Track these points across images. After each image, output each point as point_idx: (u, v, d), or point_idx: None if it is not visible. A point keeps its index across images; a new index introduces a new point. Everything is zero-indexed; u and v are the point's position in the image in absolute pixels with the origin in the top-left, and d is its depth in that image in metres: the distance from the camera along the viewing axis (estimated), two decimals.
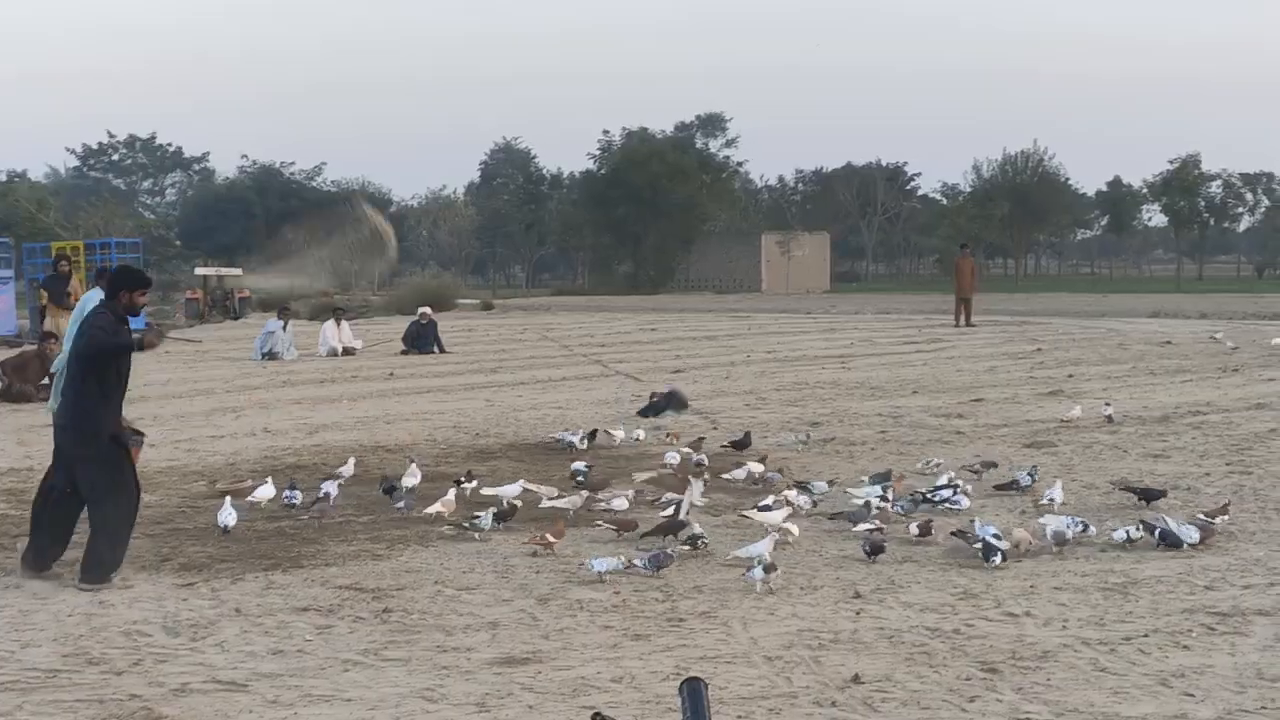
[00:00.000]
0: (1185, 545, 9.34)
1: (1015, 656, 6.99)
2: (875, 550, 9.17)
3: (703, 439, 14.47)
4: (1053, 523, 9.60)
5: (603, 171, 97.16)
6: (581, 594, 8.41)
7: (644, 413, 16.05)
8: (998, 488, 11.77)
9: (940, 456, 13.26)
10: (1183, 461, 13.53)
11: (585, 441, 14.46)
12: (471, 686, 6.63)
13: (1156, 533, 9.47)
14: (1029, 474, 11.90)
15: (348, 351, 29.20)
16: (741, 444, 13.85)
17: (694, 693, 3.81)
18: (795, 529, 9.85)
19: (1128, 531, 9.53)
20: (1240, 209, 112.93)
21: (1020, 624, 7.68)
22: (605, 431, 15.07)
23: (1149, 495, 11.04)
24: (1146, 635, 7.38)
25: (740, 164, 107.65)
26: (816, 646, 7.23)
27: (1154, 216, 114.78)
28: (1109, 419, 16.25)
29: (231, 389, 21.83)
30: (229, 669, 7.01)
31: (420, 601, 8.33)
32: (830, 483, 11.82)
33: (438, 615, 8.01)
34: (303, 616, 8.02)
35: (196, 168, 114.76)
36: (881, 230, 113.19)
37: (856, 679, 6.60)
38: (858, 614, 7.91)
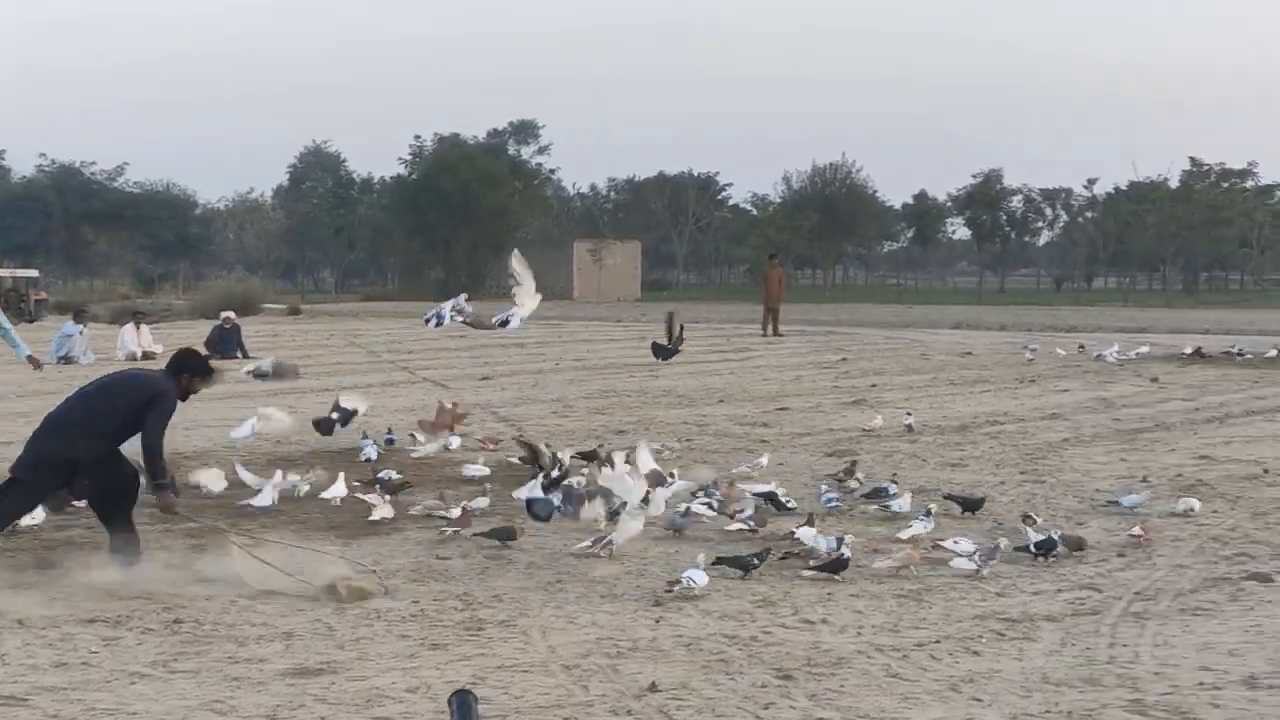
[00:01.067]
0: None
1: (810, 663, 7.04)
2: (745, 568, 9.03)
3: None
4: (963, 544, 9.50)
5: (414, 177, 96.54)
6: (379, 603, 8.29)
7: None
8: (866, 497, 11.80)
9: (765, 457, 13.40)
10: (979, 470, 13.82)
11: (377, 452, 14.24)
12: (263, 698, 6.48)
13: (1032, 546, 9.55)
14: (892, 483, 12.00)
15: (148, 356, 28.51)
16: (589, 455, 13.48)
17: (463, 704, 3.77)
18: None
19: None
20: (1040, 223, 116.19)
21: (816, 631, 7.74)
22: (411, 435, 14.99)
23: (970, 505, 11.25)
24: (938, 641, 7.49)
25: (553, 171, 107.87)
26: (615, 655, 7.21)
27: (958, 230, 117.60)
28: (909, 428, 16.55)
29: (24, 394, 21.18)
30: (9, 682, 6.77)
31: (213, 611, 8.13)
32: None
33: (230, 625, 7.83)
34: (89, 628, 7.78)
35: None
36: (693, 239, 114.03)
37: (653, 687, 6.58)
38: (657, 622, 7.91)
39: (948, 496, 11.65)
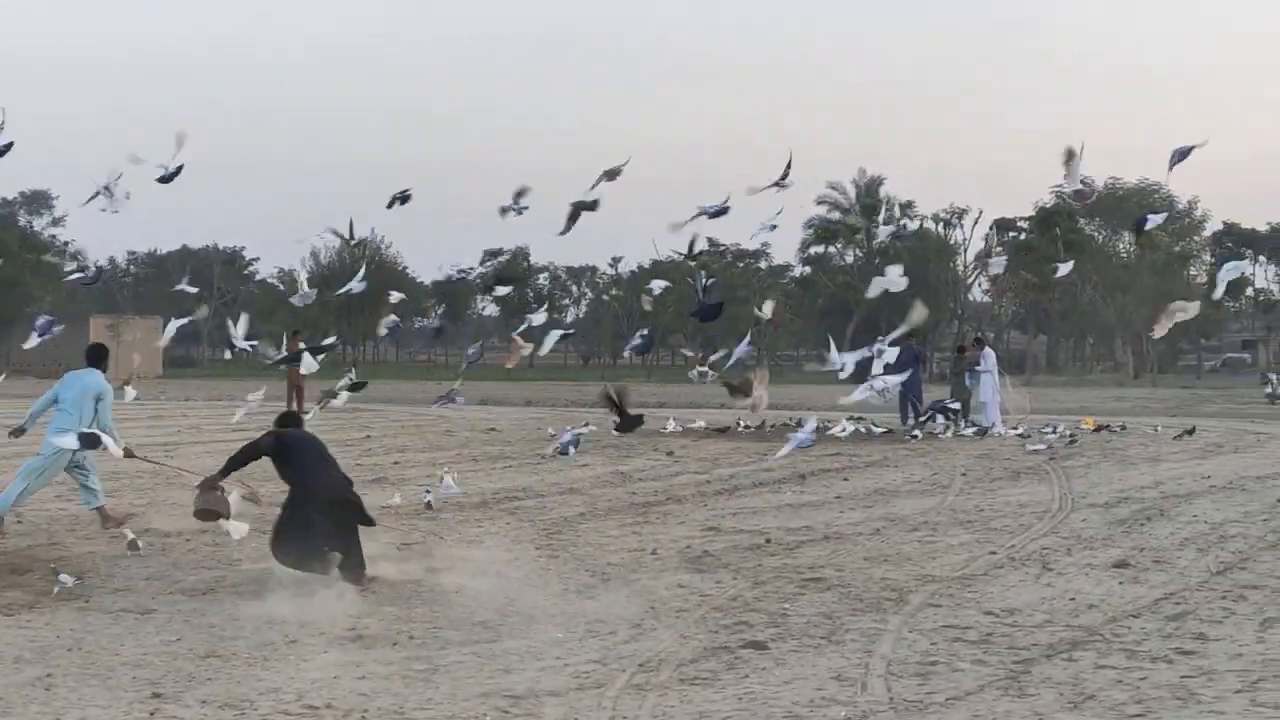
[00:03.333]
0: None
1: None
2: None
3: None
4: None
5: None
6: None
7: None
8: None
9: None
10: (495, 546, 13.88)
11: None
12: None
13: None
14: None
15: None
16: None
17: None
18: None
19: None
20: (567, 300, 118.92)
21: (320, 716, 7.58)
22: None
23: None
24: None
25: (67, 243, 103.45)
26: None
27: (488, 306, 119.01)
28: (428, 505, 16.51)
29: None
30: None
31: None
32: None
33: None
34: None
35: None
36: (219, 314, 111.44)
37: None
38: (152, 714, 7.58)
39: None
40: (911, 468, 21.87)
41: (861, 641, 9.45)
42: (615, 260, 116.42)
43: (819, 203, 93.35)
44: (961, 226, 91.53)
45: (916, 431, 28.08)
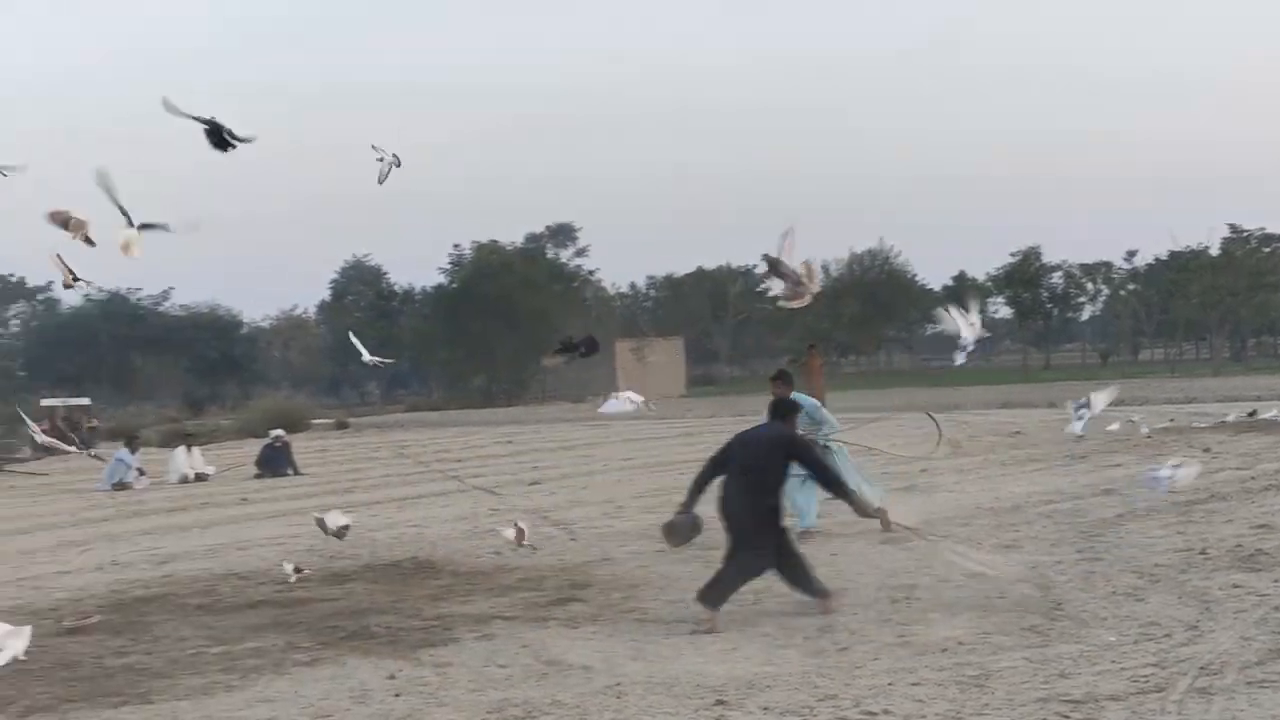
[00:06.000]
0: None
1: None
2: None
3: None
4: None
5: (454, 285, 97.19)
6: None
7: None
8: None
9: None
10: (1034, 550, 13.71)
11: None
12: None
13: None
14: None
15: (200, 478, 28.75)
16: None
17: None
18: None
19: None
20: (1082, 298, 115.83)
21: None
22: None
23: None
24: None
25: (591, 272, 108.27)
26: None
27: (999, 309, 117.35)
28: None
29: (78, 522, 21.37)
30: None
31: None
32: None
33: None
34: None
35: (40, 297, 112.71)
36: (734, 333, 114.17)
37: None
38: None
39: None
40: None
41: None
42: (1130, 254, 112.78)
43: None
44: None
45: None
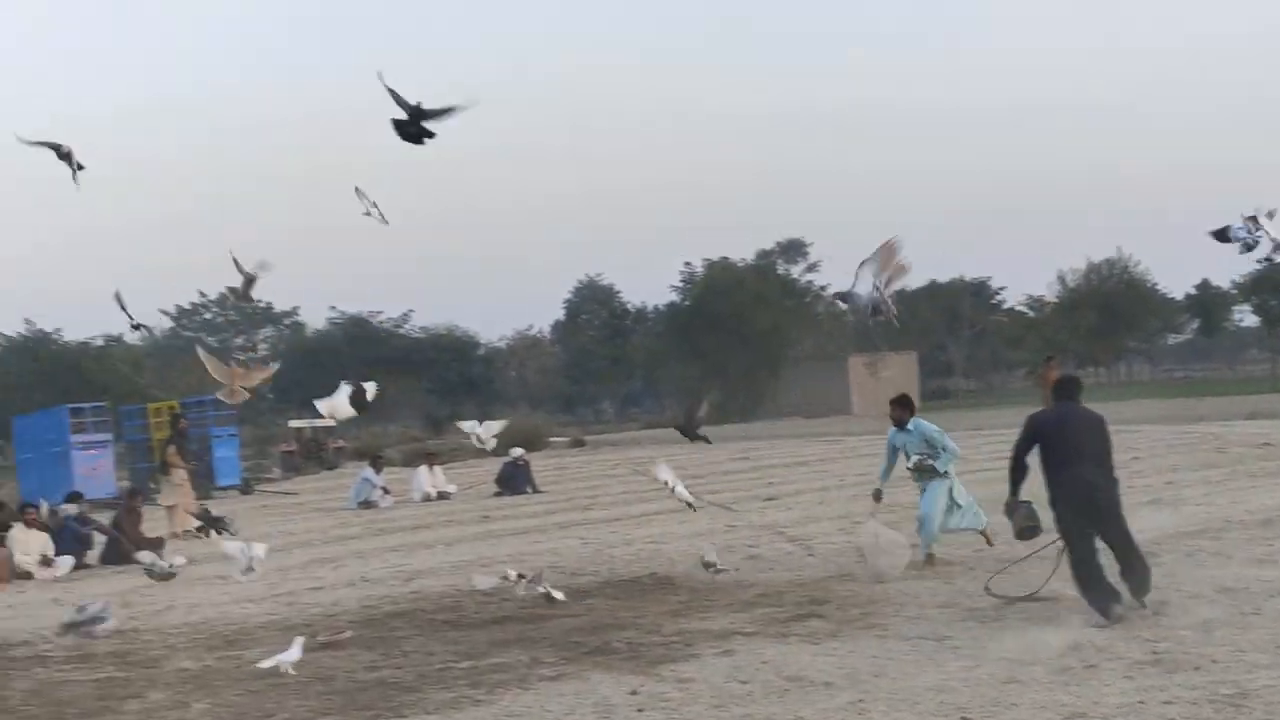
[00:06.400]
0: None
1: None
2: None
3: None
4: None
5: (686, 303, 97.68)
6: None
7: None
8: None
9: None
10: None
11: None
12: None
13: None
14: None
15: (442, 496, 29.38)
16: None
17: None
18: None
19: None
20: None
21: None
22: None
23: None
24: None
25: (823, 288, 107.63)
26: None
27: (1245, 317, 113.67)
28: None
29: (328, 539, 22.02)
30: None
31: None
32: None
33: None
34: None
35: (287, 322, 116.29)
36: (968, 345, 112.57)
37: None
38: None
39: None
40: None
41: None
42: None
43: None
44: None
45: None
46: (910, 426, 15.24)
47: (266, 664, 10.78)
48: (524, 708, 9.25)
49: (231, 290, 12.46)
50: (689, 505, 15.81)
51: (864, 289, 12.22)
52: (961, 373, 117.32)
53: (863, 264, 12.26)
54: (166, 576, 16.77)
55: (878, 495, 15.72)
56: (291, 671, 10.60)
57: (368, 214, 12.70)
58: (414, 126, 10.37)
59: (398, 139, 10.39)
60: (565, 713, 9.02)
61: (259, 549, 14.63)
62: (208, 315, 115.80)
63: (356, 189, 12.03)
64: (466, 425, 16.65)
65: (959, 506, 15.03)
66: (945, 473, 15.01)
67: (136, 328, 13.03)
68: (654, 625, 11.98)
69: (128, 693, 10.44)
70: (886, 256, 12.35)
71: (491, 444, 17.09)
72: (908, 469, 15.22)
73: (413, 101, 10.32)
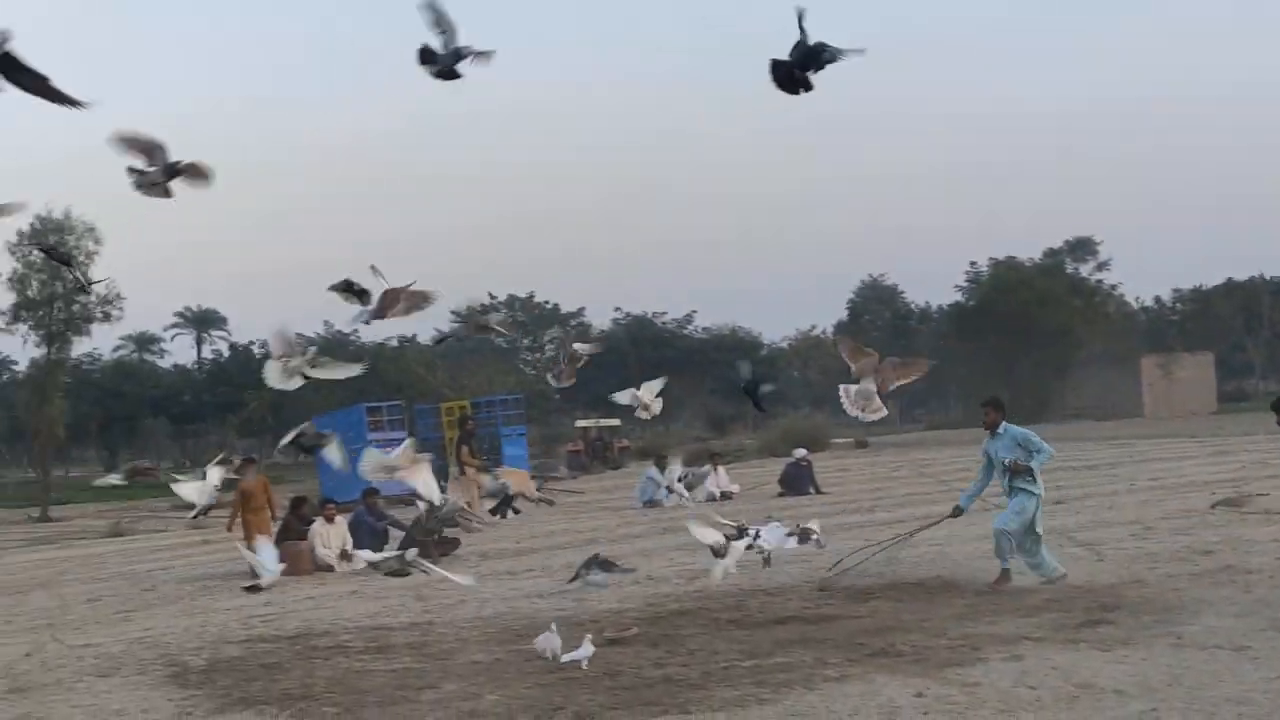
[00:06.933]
0: None
1: None
2: None
3: None
4: None
5: (971, 303, 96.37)
6: None
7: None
8: None
9: None
10: None
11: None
12: None
13: None
14: None
15: (725, 496, 29.59)
16: None
17: None
18: None
19: None
20: None
21: None
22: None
23: None
24: None
25: (1114, 287, 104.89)
26: None
27: None
28: None
29: (615, 538, 22.36)
30: None
31: None
32: None
33: None
34: None
35: (573, 323, 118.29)
36: (1268, 347, 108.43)
37: None
38: None
39: None
40: None
41: None
42: None
43: None
44: None
45: None
46: (1001, 430, 14.85)
47: (565, 658, 11.07)
48: (809, 707, 9.31)
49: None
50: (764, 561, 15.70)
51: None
52: (1260, 374, 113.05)
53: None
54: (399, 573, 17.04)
55: (956, 512, 15.32)
56: (584, 666, 10.87)
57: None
58: (800, 69, 8.51)
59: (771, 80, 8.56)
60: (850, 713, 9.05)
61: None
62: (498, 316, 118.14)
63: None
64: (623, 397, 14.67)
65: (1037, 536, 14.46)
66: (1036, 495, 14.50)
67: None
68: (939, 628, 11.91)
69: (423, 683, 10.83)
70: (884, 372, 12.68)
71: (656, 406, 14.36)
72: (1004, 465, 14.71)
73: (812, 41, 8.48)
